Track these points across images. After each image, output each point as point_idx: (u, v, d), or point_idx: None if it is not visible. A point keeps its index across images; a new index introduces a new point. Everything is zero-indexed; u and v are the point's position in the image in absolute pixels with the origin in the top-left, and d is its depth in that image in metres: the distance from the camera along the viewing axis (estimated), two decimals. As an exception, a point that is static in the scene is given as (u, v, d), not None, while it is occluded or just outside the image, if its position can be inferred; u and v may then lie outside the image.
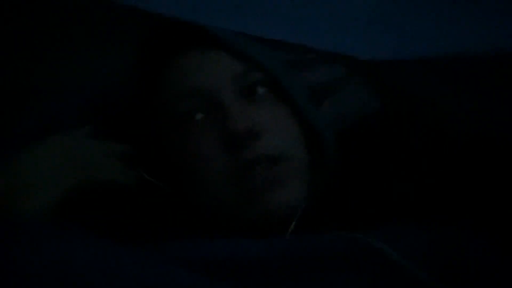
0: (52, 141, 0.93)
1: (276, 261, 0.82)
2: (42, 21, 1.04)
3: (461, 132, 1.06)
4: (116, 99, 1.05)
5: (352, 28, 1.10)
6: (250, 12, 1.02)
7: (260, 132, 0.95)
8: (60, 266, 0.71)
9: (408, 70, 1.14)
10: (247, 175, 0.93)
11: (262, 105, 0.98)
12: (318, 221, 0.95)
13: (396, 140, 1.06)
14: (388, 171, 1.01)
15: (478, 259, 0.84)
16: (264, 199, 0.94)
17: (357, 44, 1.10)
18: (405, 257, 0.82)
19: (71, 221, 0.88)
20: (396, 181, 0.99)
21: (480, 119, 1.08)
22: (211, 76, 0.96)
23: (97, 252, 0.74)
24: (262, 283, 0.81)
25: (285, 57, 1.08)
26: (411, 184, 0.99)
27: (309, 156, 1.00)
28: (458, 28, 1.10)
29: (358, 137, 1.07)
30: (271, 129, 0.96)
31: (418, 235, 0.88)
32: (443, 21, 1.08)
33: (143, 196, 0.97)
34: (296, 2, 1.04)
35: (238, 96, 0.96)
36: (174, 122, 0.98)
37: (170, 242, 0.87)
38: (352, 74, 1.13)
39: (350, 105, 1.11)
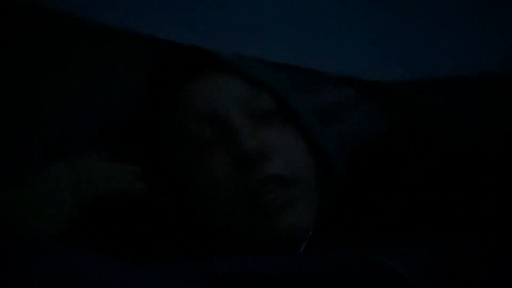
0: (67, 161, 0.96)
1: (286, 278, 0.84)
2: (58, 45, 1.07)
3: (467, 150, 1.07)
4: (129, 121, 1.08)
5: (358, 50, 1.11)
6: (257, 37, 1.04)
7: (270, 153, 0.96)
8: (71, 286, 0.72)
9: (415, 91, 1.15)
10: (257, 197, 0.95)
11: (271, 127, 0.99)
12: (326, 241, 0.96)
13: (404, 160, 1.07)
14: (395, 191, 1.02)
15: (484, 275, 0.85)
16: (274, 221, 0.95)
17: (364, 66, 1.12)
18: (410, 271, 0.83)
19: (83, 236, 0.90)
20: (404, 200, 1.00)
21: (483, 136, 1.09)
22: (220, 100, 0.99)
23: (108, 271, 0.76)
24: None
25: (292, 80, 1.11)
26: (418, 204, 1.00)
27: (318, 178, 1.01)
28: (463, 50, 1.11)
29: (366, 158, 1.08)
30: (280, 150, 0.98)
31: (424, 250, 0.89)
32: (449, 42, 1.10)
33: (153, 214, 0.99)
34: (303, 25, 1.06)
35: (247, 118, 0.98)
36: (185, 145, 1.00)
37: (179, 260, 0.88)
38: (360, 96, 1.15)
39: (358, 126, 1.12)
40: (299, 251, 0.95)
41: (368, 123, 1.13)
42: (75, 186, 0.95)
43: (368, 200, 1.01)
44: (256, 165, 0.95)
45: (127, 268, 0.79)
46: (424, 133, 1.11)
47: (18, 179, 0.94)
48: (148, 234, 0.97)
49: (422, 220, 0.98)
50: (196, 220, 0.97)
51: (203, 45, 1.00)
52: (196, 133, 0.99)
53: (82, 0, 0.95)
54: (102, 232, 0.95)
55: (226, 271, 0.85)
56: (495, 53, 1.09)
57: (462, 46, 1.10)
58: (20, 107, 1.06)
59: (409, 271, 0.83)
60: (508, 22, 1.05)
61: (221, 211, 0.97)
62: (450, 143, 1.10)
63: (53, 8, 0.95)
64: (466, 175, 1.04)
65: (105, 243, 0.90)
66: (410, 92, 1.16)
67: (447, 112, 1.15)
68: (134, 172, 1.01)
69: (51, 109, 1.08)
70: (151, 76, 1.05)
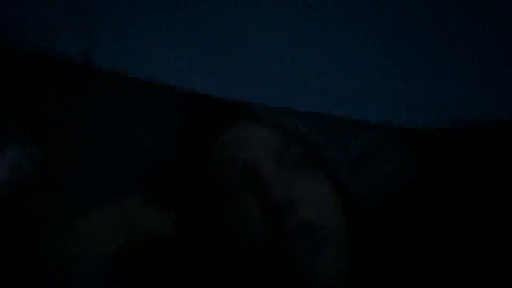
0: (109, 204, 1.00)
1: None
2: (104, 101, 1.13)
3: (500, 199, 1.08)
4: (167, 170, 1.11)
5: (391, 96, 1.10)
6: (285, 87, 1.07)
7: (299, 202, 0.99)
8: None
9: (448, 138, 1.13)
10: (286, 244, 0.97)
11: (301, 175, 1.02)
12: (355, 285, 0.97)
13: (435, 207, 1.09)
14: (424, 239, 1.03)
15: None
16: (305, 269, 0.97)
17: (397, 112, 1.09)
18: None
19: (121, 278, 0.94)
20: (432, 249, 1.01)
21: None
22: (251, 149, 1.01)
23: None
24: None
25: (323, 128, 1.11)
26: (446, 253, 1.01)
27: (348, 225, 1.03)
28: (497, 96, 1.10)
29: (397, 205, 1.10)
30: (309, 198, 1.00)
31: None
32: (482, 89, 1.09)
33: (185, 258, 1.01)
34: (334, 72, 1.07)
35: (277, 168, 1.01)
36: (217, 193, 1.03)
37: None
38: (392, 142, 1.15)
39: (390, 173, 1.12)
40: None
41: (399, 170, 1.12)
42: (116, 229, 0.99)
43: (399, 247, 1.03)
44: (285, 213, 0.97)
45: None
46: (456, 180, 1.12)
47: (63, 221, 0.99)
48: (179, 277, 1.00)
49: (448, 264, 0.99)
50: (227, 268, 0.99)
51: (235, 97, 1.04)
52: (228, 181, 1.02)
53: (125, 58, 1.01)
54: (138, 275, 0.99)
55: None
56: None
57: (497, 93, 1.09)
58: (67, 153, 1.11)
59: None
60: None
61: (252, 260, 1.00)
62: (482, 190, 1.10)
63: (96, 64, 1.00)
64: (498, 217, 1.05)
65: (141, 286, 0.94)
66: (443, 139, 1.14)
67: (480, 160, 1.15)
68: (170, 216, 1.04)
69: (96, 157, 1.12)
70: (188, 126, 1.09)
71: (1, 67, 1.09)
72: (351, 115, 1.09)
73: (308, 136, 1.05)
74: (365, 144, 1.12)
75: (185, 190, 1.08)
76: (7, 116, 1.11)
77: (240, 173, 1.01)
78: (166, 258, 1.00)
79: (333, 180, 1.04)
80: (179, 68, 1.02)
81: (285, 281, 0.98)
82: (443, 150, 1.15)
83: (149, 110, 1.14)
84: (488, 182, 1.10)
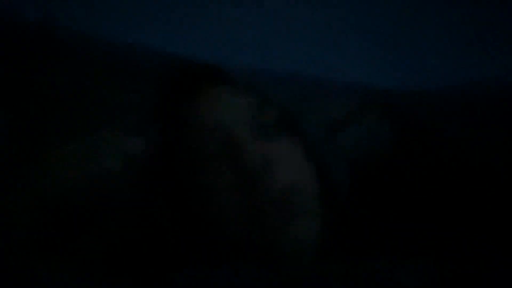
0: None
1: None
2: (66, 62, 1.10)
3: (474, 161, 1.07)
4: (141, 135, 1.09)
5: (366, 57, 1.12)
6: (264, 45, 1.06)
7: (274, 167, 0.98)
8: None
9: (424, 100, 1.15)
10: (261, 210, 0.97)
11: (276, 140, 1.01)
12: (331, 253, 0.97)
13: (410, 172, 1.08)
14: (400, 202, 1.03)
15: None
16: (279, 234, 0.96)
17: (372, 73, 1.12)
18: (414, 282, 0.84)
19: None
20: (408, 210, 1.01)
21: (492, 149, 1.09)
22: (227, 114, 1.00)
23: None
24: None
25: (298, 90, 1.12)
26: (423, 214, 1.01)
27: (322, 191, 1.03)
28: (472, 58, 1.11)
29: (370, 169, 1.09)
30: (284, 163, 0.99)
31: (429, 261, 0.90)
32: (457, 50, 1.10)
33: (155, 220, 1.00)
34: (310, 33, 1.07)
35: (252, 132, 1.00)
36: (192, 159, 1.01)
37: (179, 270, 0.89)
38: (368, 105, 1.15)
39: (365, 137, 1.13)
40: (302, 261, 0.96)
41: (375, 134, 1.13)
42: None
43: (372, 211, 1.02)
44: (259, 178, 0.97)
45: None
46: (430, 144, 1.11)
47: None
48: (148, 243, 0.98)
49: (426, 229, 0.99)
50: (200, 232, 0.99)
51: (210, 57, 1.01)
52: (203, 146, 1.01)
53: (88, 15, 0.97)
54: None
55: (225, 283, 0.87)
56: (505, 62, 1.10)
57: (470, 55, 1.10)
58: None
59: (413, 282, 0.84)
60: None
61: (226, 226, 0.99)
62: (457, 154, 1.10)
63: (62, 25, 0.97)
64: (472, 186, 1.05)
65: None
66: (418, 101, 1.16)
67: (455, 122, 1.15)
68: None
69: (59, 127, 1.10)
70: (164, 90, 1.07)
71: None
72: (327, 77, 1.11)
73: (283, 100, 1.02)
74: (340, 107, 1.12)
75: (160, 155, 1.06)
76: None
77: (215, 139, 0.99)
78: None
79: (308, 145, 1.02)
80: (154, 30, 1.00)
81: (259, 246, 0.97)
82: (418, 112, 1.16)
83: (122, 73, 1.12)
84: (462, 145, 1.10)
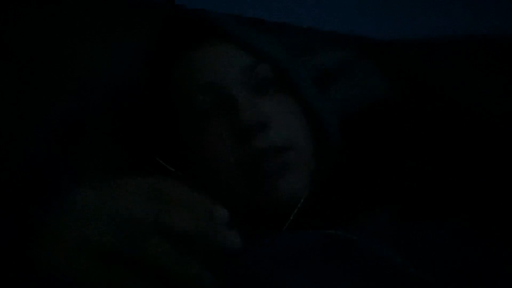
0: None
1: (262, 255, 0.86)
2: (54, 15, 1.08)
3: (469, 113, 1.08)
4: (132, 92, 1.08)
5: (361, 8, 1.10)
6: None
7: (268, 124, 0.99)
8: None
9: (418, 50, 1.14)
10: (255, 164, 0.98)
11: (270, 97, 1.01)
12: (318, 209, 0.98)
13: (404, 126, 1.08)
14: (392, 159, 1.03)
15: (459, 252, 0.87)
16: (272, 186, 0.97)
17: (366, 24, 1.11)
18: (387, 249, 0.85)
19: None
20: (400, 170, 1.02)
21: (491, 102, 1.08)
22: (221, 71, 1.00)
23: None
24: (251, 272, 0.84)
25: (291, 42, 1.09)
26: (414, 174, 1.01)
27: (315, 145, 1.03)
28: (467, 8, 1.09)
29: (365, 123, 1.09)
30: (278, 119, 1.00)
31: (409, 230, 0.91)
32: (453, 3, 1.08)
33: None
34: None
35: (246, 89, 1.00)
36: (187, 115, 1.01)
37: None
38: (361, 56, 1.14)
39: (359, 89, 1.12)
40: (291, 215, 0.97)
41: (369, 85, 1.13)
42: None
43: (364, 167, 1.03)
44: (254, 135, 0.97)
45: None
46: (425, 95, 1.12)
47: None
48: None
49: (416, 192, 1.00)
50: (197, 186, 0.99)
51: (204, 6, 1.00)
52: (197, 102, 1.00)
53: None
54: None
55: None
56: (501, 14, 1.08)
57: (464, 5, 1.09)
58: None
59: (385, 248, 0.85)
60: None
61: (221, 180, 1.00)
62: (452, 106, 1.10)
63: None
64: (466, 141, 1.05)
65: None
66: (413, 51, 1.13)
67: (451, 74, 1.15)
68: None
69: (53, 82, 1.09)
70: (156, 45, 1.06)
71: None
72: (320, 25, 1.09)
73: (275, 55, 1.02)
74: (333, 58, 1.12)
75: (154, 113, 1.06)
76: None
77: (208, 94, 0.99)
78: None
79: (302, 101, 1.03)
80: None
81: (252, 199, 0.98)
82: (414, 63, 1.14)
83: (118, 24, 1.10)
84: (457, 97, 1.10)
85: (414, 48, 1.15)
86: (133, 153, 1.07)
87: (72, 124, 1.03)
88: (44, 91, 1.04)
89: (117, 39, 1.10)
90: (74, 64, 1.07)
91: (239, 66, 1.00)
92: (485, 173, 1.00)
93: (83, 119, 1.04)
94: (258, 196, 0.98)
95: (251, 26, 1.06)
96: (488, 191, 0.98)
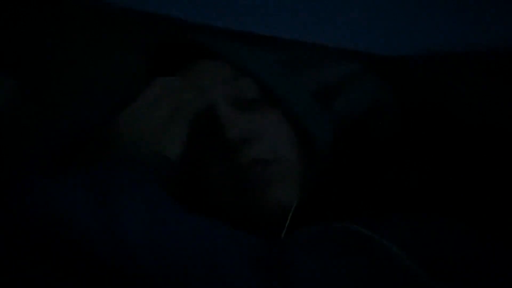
0: None
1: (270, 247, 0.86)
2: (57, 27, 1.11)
3: (472, 128, 1.07)
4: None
5: (366, 24, 1.11)
6: (261, 10, 1.06)
7: (253, 139, 0.99)
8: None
9: (423, 65, 1.14)
10: (241, 179, 0.98)
11: (255, 112, 1.01)
12: (310, 217, 0.98)
13: (408, 137, 1.08)
14: (385, 168, 1.03)
15: (461, 249, 0.85)
16: (259, 199, 0.98)
17: (372, 40, 1.11)
18: (394, 243, 0.84)
19: None
20: (394, 178, 1.01)
21: (493, 115, 1.07)
22: (209, 91, 1.00)
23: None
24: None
25: (298, 56, 1.09)
26: (411, 181, 1.00)
27: (302, 158, 1.04)
28: (472, 24, 1.09)
29: (368, 134, 1.09)
30: (263, 134, 1.00)
31: (409, 225, 0.90)
32: (458, 16, 1.09)
33: None
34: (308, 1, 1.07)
35: (232, 105, 1.00)
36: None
37: None
38: (366, 71, 1.15)
39: (363, 102, 1.13)
40: (285, 225, 0.97)
41: (372, 99, 1.13)
42: None
43: (355, 177, 1.03)
44: (240, 150, 0.97)
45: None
46: (429, 109, 1.11)
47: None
48: None
49: (413, 196, 0.99)
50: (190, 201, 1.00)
51: (202, 20, 1.02)
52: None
53: None
54: None
55: None
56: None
57: (471, 21, 1.09)
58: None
59: (392, 243, 0.84)
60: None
61: (210, 195, 1.01)
62: (456, 120, 1.09)
63: None
64: (472, 148, 1.04)
65: None
66: (418, 66, 1.13)
67: (455, 88, 1.14)
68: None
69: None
70: (146, 64, 1.09)
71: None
72: (324, 41, 1.11)
73: (261, 72, 1.03)
74: (337, 72, 1.12)
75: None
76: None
77: (197, 114, 1.01)
78: None
79: (289, 115, 1.03)
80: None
81: (240, 212, 0.98)
82: (417, 78, 1.14)
83: (110, 39, 1.14)
84: (461, 109, 1.09)
85: (419, 63, 1.15)
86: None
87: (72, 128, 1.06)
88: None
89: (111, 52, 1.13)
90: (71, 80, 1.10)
91: (224, 82, 1.02)
92: (487, 183, 0.99)
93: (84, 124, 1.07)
94: (247, 208, 0.98)
95: (253, 43, 1.08)
96: (488, 193, 0.97)
